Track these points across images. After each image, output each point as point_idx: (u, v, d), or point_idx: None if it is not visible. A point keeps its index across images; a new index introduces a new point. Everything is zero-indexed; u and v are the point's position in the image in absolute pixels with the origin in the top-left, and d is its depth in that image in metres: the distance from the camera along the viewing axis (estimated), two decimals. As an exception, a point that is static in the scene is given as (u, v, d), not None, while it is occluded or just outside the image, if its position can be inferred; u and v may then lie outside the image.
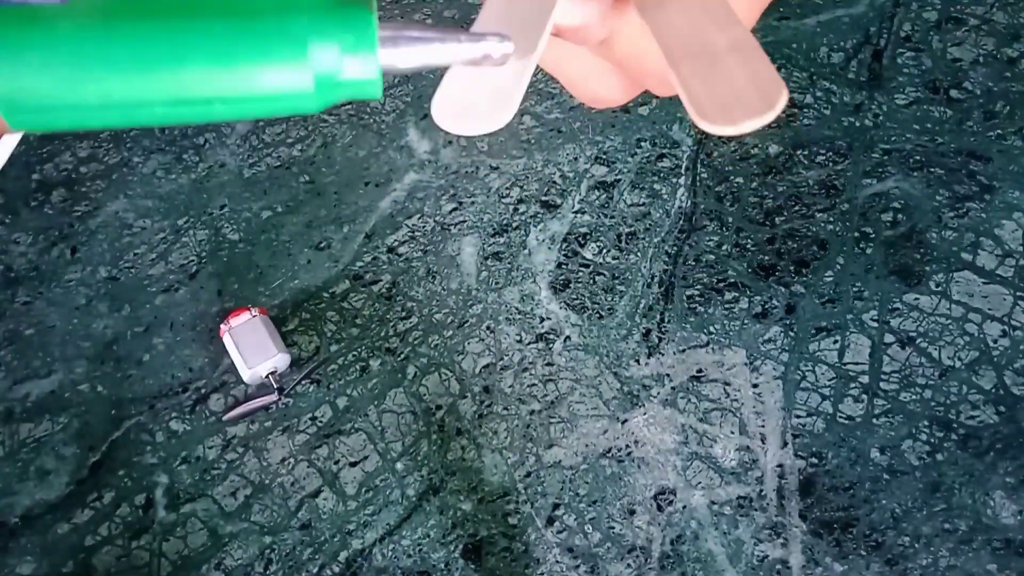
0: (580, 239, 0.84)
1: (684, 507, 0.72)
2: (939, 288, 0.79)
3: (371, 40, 0.23)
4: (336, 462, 0.76)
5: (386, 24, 0.24)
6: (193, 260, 0.86)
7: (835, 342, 0.77)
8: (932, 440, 0.73)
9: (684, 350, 0.78)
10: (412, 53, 0.24)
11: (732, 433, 0.74)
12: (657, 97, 0.91)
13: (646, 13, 0.25)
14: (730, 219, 0.84)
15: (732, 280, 0.81)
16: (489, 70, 0.25)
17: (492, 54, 0.24)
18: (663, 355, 0.78)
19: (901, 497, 0.71)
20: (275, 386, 0.77)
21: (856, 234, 0.82)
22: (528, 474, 0.74)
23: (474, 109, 0.25)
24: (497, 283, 0.83)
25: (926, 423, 0.74)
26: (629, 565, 0.70)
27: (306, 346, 0.81)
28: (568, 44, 0.28)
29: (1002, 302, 0.78)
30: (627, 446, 0.75)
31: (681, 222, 0.84)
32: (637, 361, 0.78)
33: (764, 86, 0.23)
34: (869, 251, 0.81)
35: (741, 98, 0.23)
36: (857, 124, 0.88)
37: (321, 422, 0.78)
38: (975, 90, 0.88)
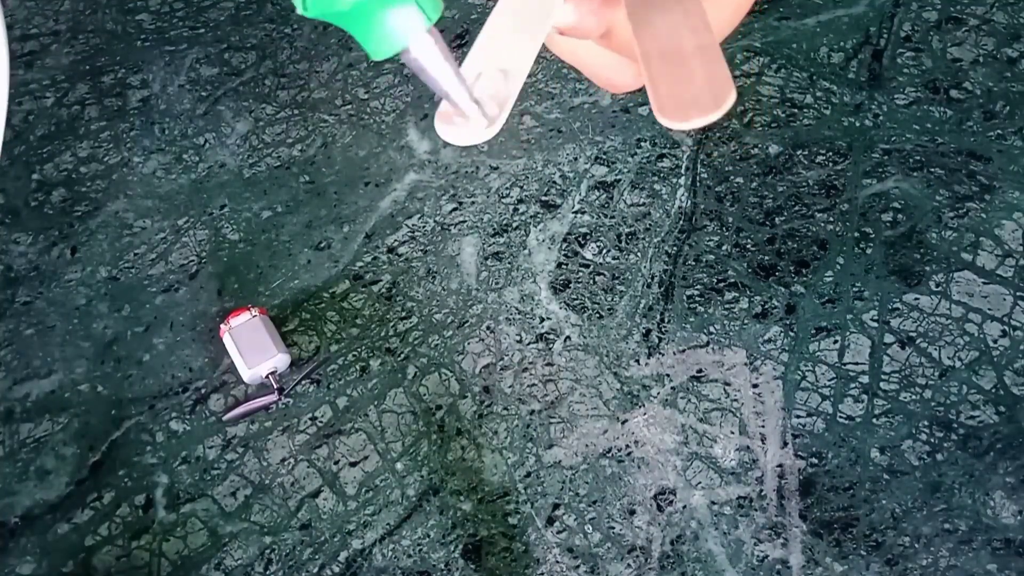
0: (580, 239, 0.84)
1: (684, 507, 0.72)
2: (939, 288, 0.79)
3: (435, 10, 0.27)
4: (336, 462, 0.76)
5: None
6: (193, 260, 0.86)
7: (835, 342, 0.77)
8: (932, 440, 0.73)
9: (684, 350, 0.78)
10: (435, 57, 0.28)
11: (732, 433, 0.74)
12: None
13: (632, 14, 0.28)
14: (730, 219, 0.84)
15: (732, 280, 0.81)
16: (480, 91, 0.29)
17: (466, 111, 0.29)
18: (663, 355, 0.78)
19: (901, 497, 0.71)
20: (275, 386, 0.77)
21: (856, 234, 0.82)
22: (528, 474, 0.74)
23: (466, 124, 0.30)
24: (497, 283, 0.83)
25: (926, 423, 0.74)
26: (629, 565, 0.70)
27: (306, 346, 0.81)
28: None
29: (1002, 302, 0.78)
30: (627, 446, 0.75)
31: (681, 222, 0.84)
32: (637, 361, 0.78)
33: (717, 87, 0.25)
34: (869, 251, 0.81)
35: (697, 98, 0.25)
36: (857, 124, 0.88)
37: (321, 422, 0.78)
38: (975, 90, 0.88)
